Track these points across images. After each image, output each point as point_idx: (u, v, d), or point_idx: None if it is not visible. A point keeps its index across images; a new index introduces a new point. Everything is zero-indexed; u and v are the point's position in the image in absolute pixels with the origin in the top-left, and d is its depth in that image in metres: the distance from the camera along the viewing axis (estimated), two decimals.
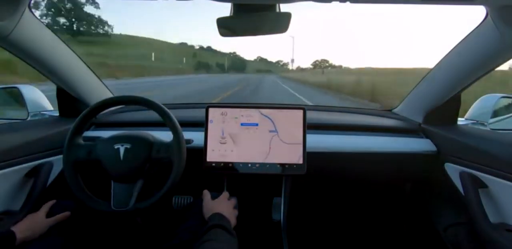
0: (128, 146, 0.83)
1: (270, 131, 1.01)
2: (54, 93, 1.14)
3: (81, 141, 0.88)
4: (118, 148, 0.83)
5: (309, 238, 1.33)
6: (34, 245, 0.72)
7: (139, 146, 0.84)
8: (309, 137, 1.01)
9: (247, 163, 1.00)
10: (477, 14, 0.78)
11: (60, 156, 0.89)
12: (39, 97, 1.28)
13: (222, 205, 0.81)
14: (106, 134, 1.01)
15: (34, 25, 0.84)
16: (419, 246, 1.21)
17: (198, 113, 1.09)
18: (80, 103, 1.15)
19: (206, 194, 0.86)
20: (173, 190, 0.83)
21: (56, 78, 1.04)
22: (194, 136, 0.98)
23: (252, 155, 1.01)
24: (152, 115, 0.90)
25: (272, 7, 0.69)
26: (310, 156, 1.00)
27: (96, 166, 0.84)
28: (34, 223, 0.76)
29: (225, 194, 0.87)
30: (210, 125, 1.02)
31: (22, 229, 0.72)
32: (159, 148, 0.85)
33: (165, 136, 0.91)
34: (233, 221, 0.77)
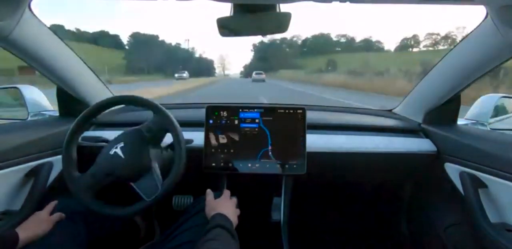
0: (121, 144, 0.83)
1: (270, 131, 1.01)
2: None
3: (75, 154, 0.87)
4: (115, 152, 0.82)
5: (309, 238, 1.33)
6: (37, 245, 0.72)
7: (130, 139, 0.84)
8: (309, 137, 1.01)
9: (247, 163, 1.00)
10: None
11: (60, 156, 0.89)
12: (39, 97, 1.28)
13: (225, 205, 0.80)
14: (106, 134, 1.01)
15: (34, 25, 0.84)
16: (419, 246, 1.21)
17: (198, 113, 1.09)
18: (80, 103, 1.14)
19: (209, 193, 0.86)
20: (174, 189, 0.82)
21: (56, 78, 1.04)
22: (194, 136, 0.98)
23: (252, 155, 1.01)
24: (152, 115, 0.90)
25: (272, 7, 0.69)
26: (310, 156, 1.00)
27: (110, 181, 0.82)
28: (37, 223, 0.75)
29: (227, 193, 0.87)
30: (210, 125, 1.02)
31: (26, 229, 0.72)
32: (148, 127, 0.85)
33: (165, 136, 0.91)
34: (235, 220, 0.77)
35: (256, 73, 20.05)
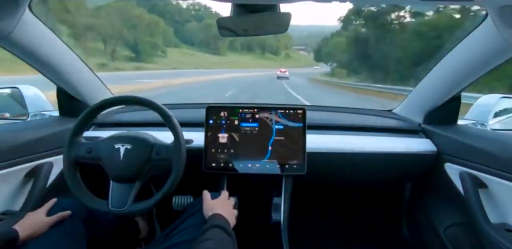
0: (128, 146, 0.83)
1: (270, 131, 1.01)
2: None
3: (81, 139, 0.88)
4: (119, 148, 0.83)
5: (309, 238, 1.33)
6: (35, 244, 0.72)
7: (139, 147, 0.84)
8: (309, 137, 1.01)
9: (247, 163, 1.00)
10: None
11: (60, 156, 0.89)
12: (39, 97, 1.28)
13: (222, 205, 0.80)
14: (106, 134, 1.01)
15: (34, 25, 0.84)
16: (419, 246, 1.21)
17: (198, 113, 1.09)
18: (80, 103, 1.14)
19: (206, 194, 0.86)
20: (173, 190, 0.83)
21: (56, 78, 1.04)
22: (194, 136, 0.98)
23: (252, 155, 1.01)
24: (152, 115, 0.90)
25: (272, 7, 0.69)
26: (310, 156, 1.00)
27: (96, 165, 0.83)
28: (34, 222, 0.75)
29: (225, 194, 0.87)
30: (210, 125, 1.02)
31: (23, 228, 0.72)
32: (159, 150, 0.84)
33: (165, 136, 0.91)
34: (232, 221, 0.77)
35: (281, 71, 24.13)
